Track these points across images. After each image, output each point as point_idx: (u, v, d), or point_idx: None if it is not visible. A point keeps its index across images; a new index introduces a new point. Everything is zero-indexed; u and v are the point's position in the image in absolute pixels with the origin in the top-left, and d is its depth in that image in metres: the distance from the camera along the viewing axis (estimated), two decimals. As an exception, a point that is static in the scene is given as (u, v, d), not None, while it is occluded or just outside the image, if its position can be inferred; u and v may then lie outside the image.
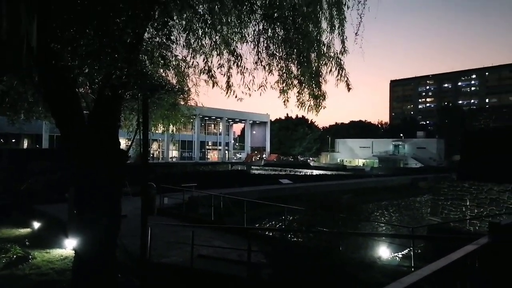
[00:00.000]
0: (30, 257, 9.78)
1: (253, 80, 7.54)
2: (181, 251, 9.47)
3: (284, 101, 8.86)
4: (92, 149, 6.19)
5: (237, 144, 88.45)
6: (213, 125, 77.15)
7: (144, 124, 5.66)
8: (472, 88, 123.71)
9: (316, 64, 8.58)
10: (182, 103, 9.47)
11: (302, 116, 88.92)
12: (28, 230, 13.51)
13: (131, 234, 10.05)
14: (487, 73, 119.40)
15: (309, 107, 8.49)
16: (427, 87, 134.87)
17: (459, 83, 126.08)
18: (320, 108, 8.51)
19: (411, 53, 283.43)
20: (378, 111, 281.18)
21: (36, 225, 13.20)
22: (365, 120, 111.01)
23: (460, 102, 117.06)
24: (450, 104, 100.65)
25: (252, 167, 56.88)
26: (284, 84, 8.38)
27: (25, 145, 48.18)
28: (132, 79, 6.07)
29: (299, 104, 8.48)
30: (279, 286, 4.90)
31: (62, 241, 11.03)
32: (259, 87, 8.22)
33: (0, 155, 25.61)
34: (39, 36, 3.51)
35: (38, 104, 8.23)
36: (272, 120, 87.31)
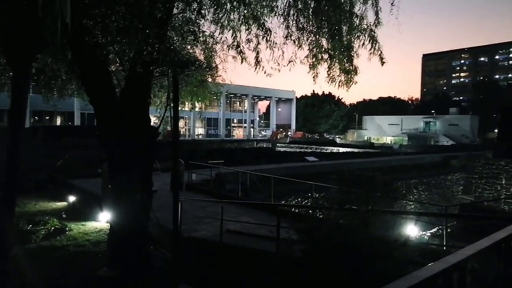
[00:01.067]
0: (67, 229, 10.28)
1: (282, 55, 7.37)
2: (209, 225, 9.67)
3: (314, 77, 8.65)
4: (125, 125, 6.29)
5: (262, 121, 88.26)
6: (238, 102, 76.96)
7: (174, 100, 5.68)
8: (511, 62, 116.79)
9: (348, 37, 8.26)
10: (210, 80, 9.44)
11: (329, 92, 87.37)
12: (64, 203, 14.15)
13: (162, 208, 10.35)
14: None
15: (340, 83, 8.24)
16: (462, 61, 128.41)
17: (496, 57, 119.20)
18: (351, 83, 8.24)
19: (445, 25, 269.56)
20: (409, 87, 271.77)
21: (72, 199, 13.80)
22: (395, 97, 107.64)
23: (497, 76, 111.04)
24: (486, 79, 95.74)
25: (278, 144, 56.84)
26: (314, 59, 8.14)
27: (58, 122, 49.96)
28: (162, 55, 6.05)
29: (329, 80, 8.25)
30: (311, 262, 4.92)
31: (97, 214, 11.50)
32: (289, 62, 8.04)
33: (36, 132, 26.71)
34: (73, 13, 3.51)
35: (72, 82, 8.42)
36: (298, 97, 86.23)
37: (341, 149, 45.62)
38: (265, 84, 76.72)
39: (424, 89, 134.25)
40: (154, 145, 6.66)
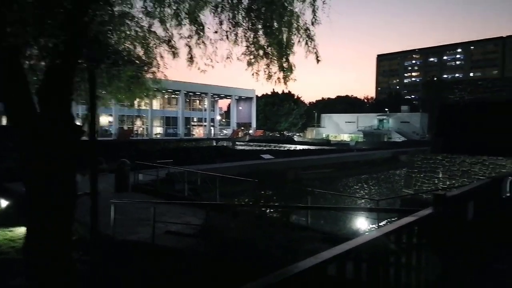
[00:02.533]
0: (-7, 236, 9.54)
1: (215, 51, 7.24)
2: (149, 227, 9.36)
3: (253, 74, 8.61)
4: (42, 124, 5.87)
5: (223, 120, 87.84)
6: (198, 101, 76.05)
7: (91, 96, 5.35)
8: (457, 62, 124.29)
9: (284, 35, 8.28)
10: (147, 76, 9.11)
11: (289, 91, 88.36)
12: (-5, 208, 13.17)
13: (99, 211, 9.86)
14: (472, 47, 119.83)
15: (277, 80, 8.24)
16: (413, 61, 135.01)
17: (445, 57, 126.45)
18: (288, 80, 8.26)
19: (399, 27, 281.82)
20: (365, 86, 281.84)
21: (4, 203, 12.89)
22: (352, 95, 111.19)
23: (445, 76, 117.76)
24: (435, 78, 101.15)
25: (237, 143, 56.81)
26: (251, 56, 8.09)
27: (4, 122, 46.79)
28: (81, 46, 5.72)
29: (267, 77, 8.22)
30: (216, 257, 4.88)
31: (30, 219, 10.76)
32: (226, 58, 7.93)
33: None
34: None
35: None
36: (259, 95, 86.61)
37: (299, 147, 46.30)
38: (226, 83, 76.05)
39: (379, 88, 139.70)
40: (77, 145, 6.27)
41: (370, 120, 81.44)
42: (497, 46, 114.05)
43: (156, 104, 69.74)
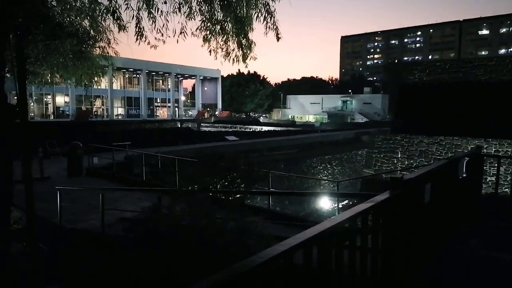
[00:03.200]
0: None
1: (166, 25, 6.67)
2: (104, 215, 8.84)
3: (210, 51, 8.12)
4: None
5: (188, 101, 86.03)
6: (161, 81, 73.74)
7: (19, 72, 4.70)
8: (417, 45, 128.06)
9: (244, 10, 7.82)
10: (95, 52, 8.37)
11: (254, 72, 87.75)
12: None
13: (48, 198, 9.15)
14: (431, 30, 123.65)
15: (236, 58, 7.81)
16: (376, 44, 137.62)
17: (405, 40, 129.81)
18: (246, 58, 7.85)
19: (362, 9, 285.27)
20: (330, 68, 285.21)
21: None
22: (317, 77, 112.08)
23: (406, 58, 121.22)
24: (396, 61, 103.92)
25: (202, 124, 55.92)
26: (207, 32, 7.59)
27: None
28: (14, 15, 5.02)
29: (225, 54, 7.76)
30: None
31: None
32: (180, 33, 7.38)
33: None
34: None
35: None
36: (225, 76, 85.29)
37: (264, 128, 46.24)
38: (190, 62, 73.79)
39: (343, 70, 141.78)
40: (8, 126, 5.59)
41: (334, 102, 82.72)
42: (454, 29, 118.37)
43: (116, 84, 66.97)
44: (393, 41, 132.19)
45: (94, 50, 8.33)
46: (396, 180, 3.34)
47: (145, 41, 6.68)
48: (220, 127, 48.45)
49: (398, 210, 3.30)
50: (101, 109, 63.94)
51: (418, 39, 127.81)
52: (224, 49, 7.74)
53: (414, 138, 16.62)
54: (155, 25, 6.56)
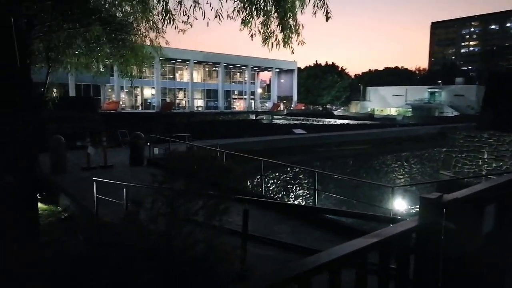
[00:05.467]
0: None
1: (194, 7, 6.13)
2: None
3: (252, 36, 7.42)
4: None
5: (265, 93, 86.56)
6: (238, 73, 75.11)
7: (21, 58, 4.52)
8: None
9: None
10: (143, 42, 8.25)
11: (332, 63, 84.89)
12: None
13: (108, 186, 9.26)
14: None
15: (276, 42, 7.00)
16: (472, 29, 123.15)
17: (508, 24, 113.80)
18: (289, 42, 6.98)
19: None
20: (418, 57, 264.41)
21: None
22: (402, 67, 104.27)
23: (507, 45, 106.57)
24: (495, 48, 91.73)
25: (275, 116, 55.68)
26: (245, 12, 6.89)
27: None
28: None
29: (263, 38, 7.01)
30: None
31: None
32: (215, 17, 6.82)
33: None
34: None
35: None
36: (301, 67, 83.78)
37: (338, 121, 44.21)
38: (267, 55, 73.62)
39: (433, 59, 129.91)
40: (33, 117, 5.59)
41: (420, 93, 76.02)
42: None
43: (196, 76, 69.83)
44: (492, 26, 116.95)
45: (139, 39, 8.19)
46: (428, 202, 2.28)
47: (171, 24, 6.24)
48: (292, 119, 47.60)
49: (428, 249, 2.25)
50: (183, 101, 67.26)
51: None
52: (264, 33, 6.96)
53: (506, 136, 13.76)
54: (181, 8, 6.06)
